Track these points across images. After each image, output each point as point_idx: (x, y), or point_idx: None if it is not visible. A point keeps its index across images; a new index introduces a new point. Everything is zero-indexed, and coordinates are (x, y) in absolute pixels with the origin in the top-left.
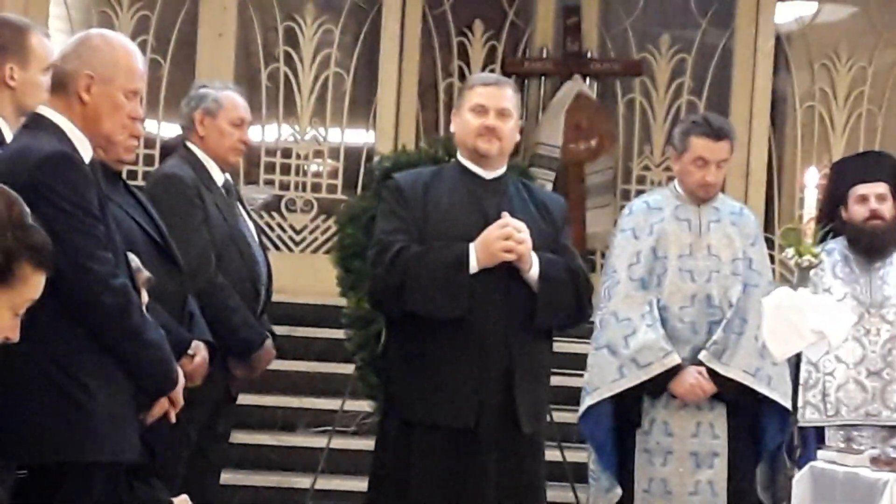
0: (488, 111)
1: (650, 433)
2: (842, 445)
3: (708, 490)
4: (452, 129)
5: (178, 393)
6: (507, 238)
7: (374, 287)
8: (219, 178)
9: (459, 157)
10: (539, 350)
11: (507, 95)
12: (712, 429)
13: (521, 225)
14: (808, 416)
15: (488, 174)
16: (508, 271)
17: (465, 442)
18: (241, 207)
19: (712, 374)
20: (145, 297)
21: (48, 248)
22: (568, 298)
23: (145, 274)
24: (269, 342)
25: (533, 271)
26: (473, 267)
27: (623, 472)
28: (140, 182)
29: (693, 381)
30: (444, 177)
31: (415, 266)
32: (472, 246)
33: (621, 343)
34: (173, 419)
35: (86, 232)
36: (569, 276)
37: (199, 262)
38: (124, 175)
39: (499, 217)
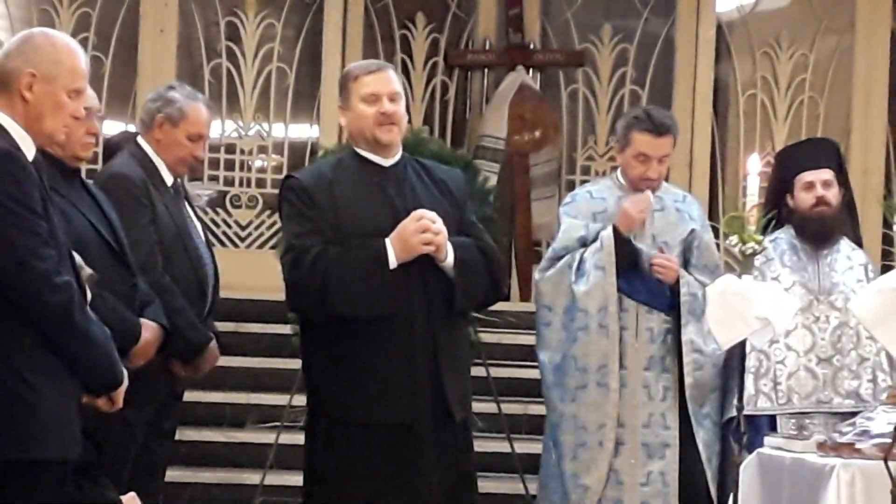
0: (381, 97)
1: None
2: (794, 433)
3: (659, 481)
4: (342, 122)
5: (120, 394)
6: (423, 231)
7: (295, 293)
8: (168, 178)
9: (355, 148)
10: (459, 335)
11: (393, 78)
12: (664, 420)
13: (435, 216)
14: (759, 405)
15: (387, 161)
16: (424, 262)
17: (401, 438)
18: (188, 207)
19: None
20: (88, 293)
21: None
22: (483, 280)
23: (87, 271)
24: (213, 344)
25: (449, 259)
26: (392, 263)
27: None
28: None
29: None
30: (345, 170)
31: (335, 269)
32: (388, 241)
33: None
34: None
35: (28, 229)
36: (482, 257)
37: (146, 262)
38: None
39: (406, 208)
